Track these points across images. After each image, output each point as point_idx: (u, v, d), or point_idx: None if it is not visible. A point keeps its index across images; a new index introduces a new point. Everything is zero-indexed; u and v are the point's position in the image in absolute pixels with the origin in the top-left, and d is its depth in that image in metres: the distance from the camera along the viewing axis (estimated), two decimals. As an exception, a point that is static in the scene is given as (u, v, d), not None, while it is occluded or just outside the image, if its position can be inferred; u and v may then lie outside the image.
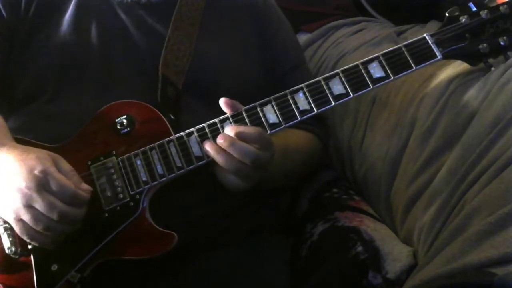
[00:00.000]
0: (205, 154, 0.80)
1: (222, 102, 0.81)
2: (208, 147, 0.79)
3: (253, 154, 0.76)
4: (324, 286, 0.85)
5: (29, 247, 0.79)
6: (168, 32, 0.95)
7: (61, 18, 0.96)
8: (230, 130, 0.78)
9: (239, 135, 0.77)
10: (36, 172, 0.73)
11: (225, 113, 0.82)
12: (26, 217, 0.73)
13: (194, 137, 0.81)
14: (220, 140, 0.77)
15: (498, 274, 0.57)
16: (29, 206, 0.73)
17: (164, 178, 0.80)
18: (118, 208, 0.80)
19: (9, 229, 0.78)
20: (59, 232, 0.76)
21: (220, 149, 0.77)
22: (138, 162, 0.81)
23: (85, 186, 0.77)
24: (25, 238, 0.76)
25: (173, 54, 0.93)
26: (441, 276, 0.63)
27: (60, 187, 0.73)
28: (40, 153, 0.77)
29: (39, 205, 0.72)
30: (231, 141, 0.76)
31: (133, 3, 0.98)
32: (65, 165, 0.77)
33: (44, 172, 0.73)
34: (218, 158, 0.77)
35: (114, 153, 0.82)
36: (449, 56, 0.84)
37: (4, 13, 0.95)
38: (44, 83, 0.93)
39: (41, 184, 0.72)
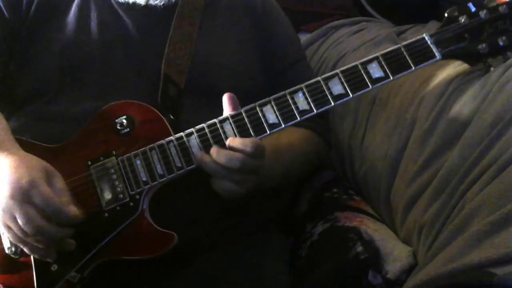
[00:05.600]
0: None
1: (225, 96, 0.80)
2: (197, 155, 0.78)
3: (237, 160, 0.75)
4: (324, 286, 0.85)
5: (29, 247, 0.79)
6: (170, 31, 0.95)
7: (63, 19, 0.96)
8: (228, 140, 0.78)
9: (230, 146, 0.77)
10: (23, 181, 0.71)
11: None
12: (12, 225, 0.73)
13: (194, 138, 0.81)
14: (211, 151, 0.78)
15: (498, 274, 0.57)
16: (12, 216, 0.72)
17: (164, 178, 0.80)
18: (118, 208, 0.80)
19: (9, 230, 0.79)
20: (48, 246, 0.75)
21: (206, 158, 0.77)
22: (138, 162, 0.81)
23: (73, 208, 0.74)
24: (17, 244, 0.76)
25: (175, 53, 0.93)
26: (441, 276, 0.63)
27: (43, 200, 0.71)
28: (35, 163, 0.76)
29: (18, 216, 0.71)
30: (218, 150, 0.77)
31: (134, 4, 0.98)
32: (59, 183, 0.76)
33: (31, 183, 0.71)
34: (205, 166, 0.77)
35: (114, 153, 0.83)
36: (448, 56, 0.84)
37: (5, 13, 0.95)
38: (45, 84, 0.93)
39: (25, 195, 0.71)
